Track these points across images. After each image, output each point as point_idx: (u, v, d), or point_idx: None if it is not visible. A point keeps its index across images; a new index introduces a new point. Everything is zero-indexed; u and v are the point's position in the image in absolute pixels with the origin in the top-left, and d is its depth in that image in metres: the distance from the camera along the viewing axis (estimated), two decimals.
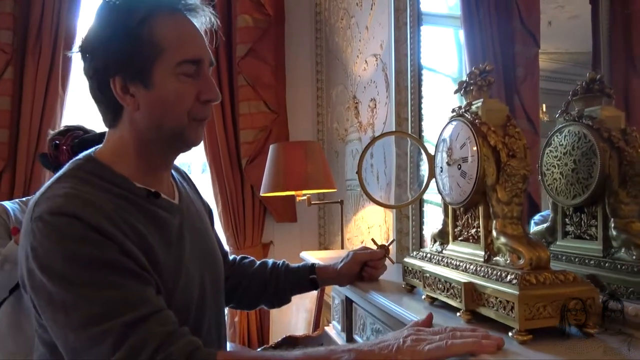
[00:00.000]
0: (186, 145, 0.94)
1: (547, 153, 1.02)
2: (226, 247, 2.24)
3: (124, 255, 0.79)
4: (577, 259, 0.94)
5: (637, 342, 0.68)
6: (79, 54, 0.89)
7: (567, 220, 0.99)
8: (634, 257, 0.84)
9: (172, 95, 0.86)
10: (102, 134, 1.49)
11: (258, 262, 1.26)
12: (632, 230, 0.86)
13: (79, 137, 1.59)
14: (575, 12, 1.23)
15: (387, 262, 1.29)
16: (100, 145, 0.94)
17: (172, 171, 1.04)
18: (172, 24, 0.87)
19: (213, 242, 1.07)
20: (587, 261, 0.92)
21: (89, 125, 1.73)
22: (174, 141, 0.91)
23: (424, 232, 1.64)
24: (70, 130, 1.66)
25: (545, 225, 1.05)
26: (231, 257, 1.27)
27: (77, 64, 0.93)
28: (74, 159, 0.91)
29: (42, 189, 0.85)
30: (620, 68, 1.06)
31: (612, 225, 0.89)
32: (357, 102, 2.44)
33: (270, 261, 1.26)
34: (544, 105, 1.30)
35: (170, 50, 0.85)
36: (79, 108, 2.90)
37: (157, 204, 0.91)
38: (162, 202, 0.92)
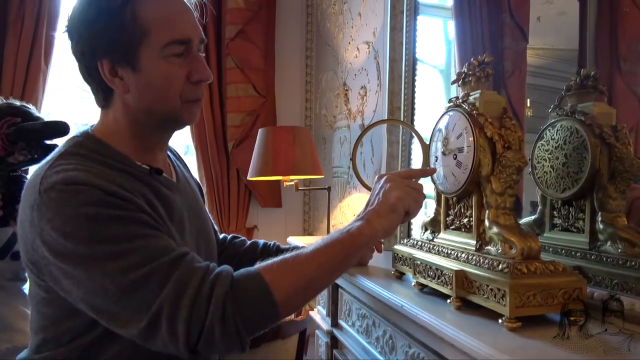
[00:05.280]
0: (181, 125, 0.94)
1: (539, 147, 1.04)
2: None
3: (144, 213, 0.80)
4: (563, 251, 0.97)
5: (638, 341, 0.68)
6: (65, 34, 0.86)
7: (555, 212, 1.02)
8: (619, 250, 0.87)
9: (160, 79, 0.84)
10: (46, 124, 1.34)
11: (249, 242, 1.27)
12: (618, 224, 0.89)
13: (17, 125, 1.37)
14: (563, 9, 1.24)
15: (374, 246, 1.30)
16: (95, 124, 0.93)
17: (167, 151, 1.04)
18: (158, 3, 0.84)
19: (207, 221, 1.08)
20: (573, 253, 0.94)
21: (43, 109, 1.50)
22: (167, 122, 0.91)
23: (411, 220, 1.66)
24: (8, 113, 1.42)
25: (533, 217, 1.07)
26: (222, 236, 1.27)
27: (61, 37, 0.90)
28: (73, 135, 0.90)
29: (43, 165, 0.83)
30: (605, 66, 1.08)
31: (600, 219, 0.91)
32: (347, 89, 2.44)
33: (261, 241, 1.26)
34: (528, 100, 1.32)
35: (155, 31, 0.82)
36: (63, 83, 2.83)
37: (160, 180, 0.91)
38: (163, 180, 0.92)
